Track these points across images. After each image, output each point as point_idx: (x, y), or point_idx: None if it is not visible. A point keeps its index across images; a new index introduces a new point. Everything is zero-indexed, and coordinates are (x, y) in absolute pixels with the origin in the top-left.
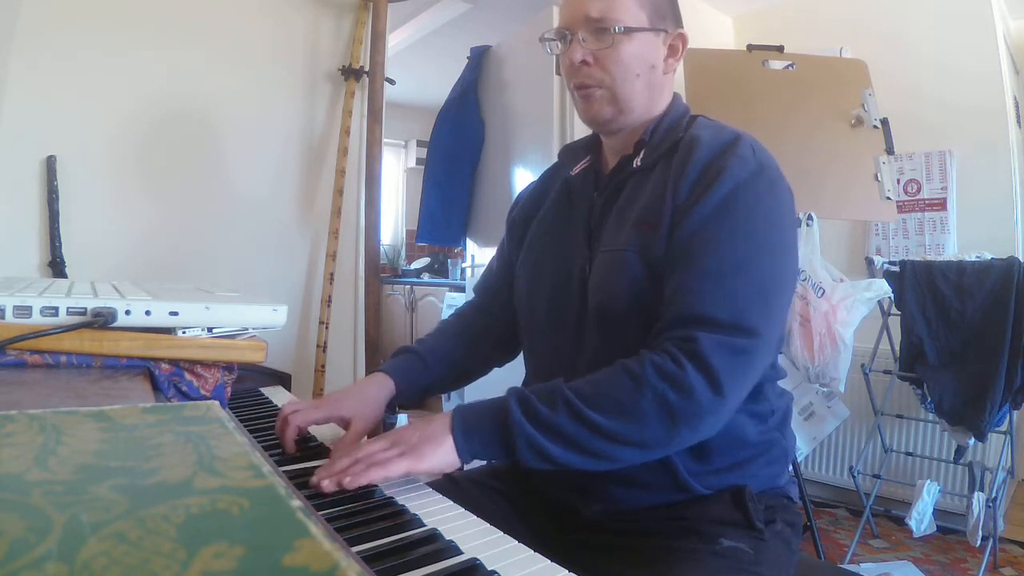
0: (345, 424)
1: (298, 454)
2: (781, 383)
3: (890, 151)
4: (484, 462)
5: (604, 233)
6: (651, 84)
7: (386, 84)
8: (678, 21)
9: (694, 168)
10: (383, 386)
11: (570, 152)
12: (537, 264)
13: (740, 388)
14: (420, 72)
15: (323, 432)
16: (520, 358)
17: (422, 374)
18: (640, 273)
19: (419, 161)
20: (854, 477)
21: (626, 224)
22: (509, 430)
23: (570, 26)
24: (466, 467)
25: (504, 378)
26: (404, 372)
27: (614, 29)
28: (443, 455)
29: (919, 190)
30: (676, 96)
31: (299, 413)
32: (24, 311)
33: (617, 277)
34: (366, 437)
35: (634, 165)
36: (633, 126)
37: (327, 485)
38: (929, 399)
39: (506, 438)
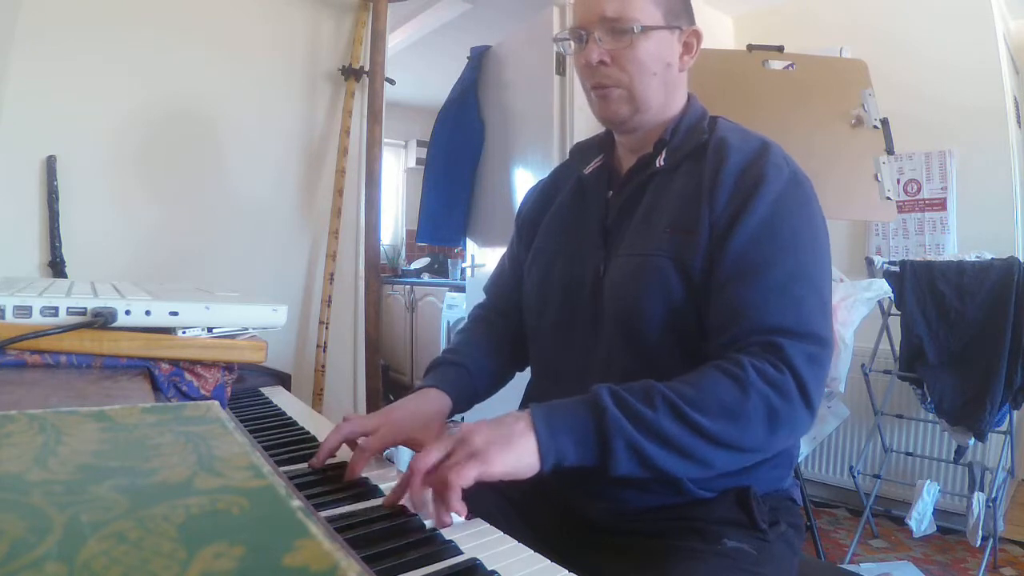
0: (414, 446)
1: (301, 453)
2: None
3: (890, 151)
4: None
5: (626, 235)
6: (667, 82)
7: (386, 84)
8: (691, 18)
9: (729, 175)
10: (443, 402)
11: (582, 151)
12: (549, 264)
13: (820, 396)
14: (420, 72)
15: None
16: None
17: (469, 385)
18: (674, 279)
19: (419, 161)
20: (854, 477)
21: (656, 228)
22: (606, 430)
23: (586, 26)
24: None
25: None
26: (456, 386)
27: (632, 28)
28: (521, 457)
29: (919, 190)
30: (692, 96)
31: (370, 441)
32: (24, 311)
33: (647, 282)
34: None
35: (656, 165)
36: (649, 125)
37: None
38: (929, 399)
39: (602, 439)
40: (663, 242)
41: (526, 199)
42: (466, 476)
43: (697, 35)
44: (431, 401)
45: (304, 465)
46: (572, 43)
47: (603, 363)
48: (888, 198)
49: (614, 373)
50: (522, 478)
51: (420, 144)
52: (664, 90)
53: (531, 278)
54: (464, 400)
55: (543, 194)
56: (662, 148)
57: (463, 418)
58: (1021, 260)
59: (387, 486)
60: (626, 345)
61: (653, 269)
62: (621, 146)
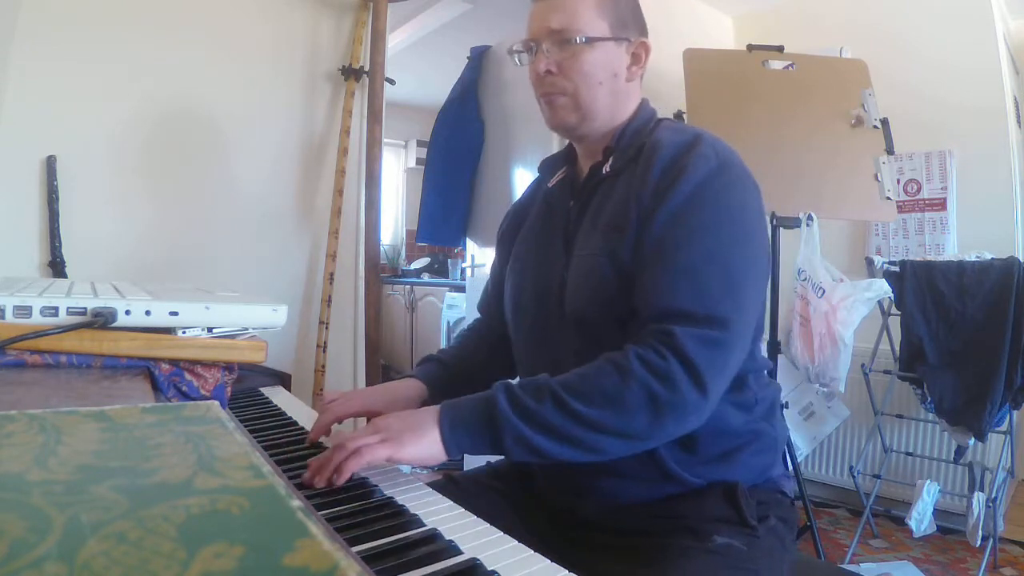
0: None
1: (301, 453)
2: (780, 379)
3: (890, 151)
4: (475, 457)
5: (577, 239)
6: (614, 91)
7: (386, 84)
8: (642, 30)
9: (657, 169)
10: (415, 388)
11: (548, 164)
12: (521, 275)
13: (719, 380)
14: (420, 72)
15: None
16: None
17: (448, 382)
18: (609, 277)
19: (419, 161)
20: (854, 477)
21: (596, 230)
22: (496, 423)
23: (535, 38)
24: (459, 462)
25: None
26: (433, 378)
27: (575, 39)
28: (426, 446)
29: (919, 190)
30: (644, 101)
31: (337, 403)
32: (24, 311)
33: (589, 281)
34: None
35: (604, 172)
36: (600, 132)
37: (317, 481)
38: (929, 399)
39: (493, 431)
40: (600, 242)
41: (505, 217)
42: (378, 455)
43: (645, 47)
44: (404, 385)
45: (304, 465)
46: (526, 55)
47: (572, 364)
48: (888, 198)
49: None
50: (429, 464)
51: (420, 144)
52: (611, 99)
53: (508, 290)
54: (440, 391)
55: (518, 210)
56: (610, 155)
57: None
58: (1021, 260)
59: (387, 484)
60: (586, 344)
61: (593, 269)
62: (580, 155)
